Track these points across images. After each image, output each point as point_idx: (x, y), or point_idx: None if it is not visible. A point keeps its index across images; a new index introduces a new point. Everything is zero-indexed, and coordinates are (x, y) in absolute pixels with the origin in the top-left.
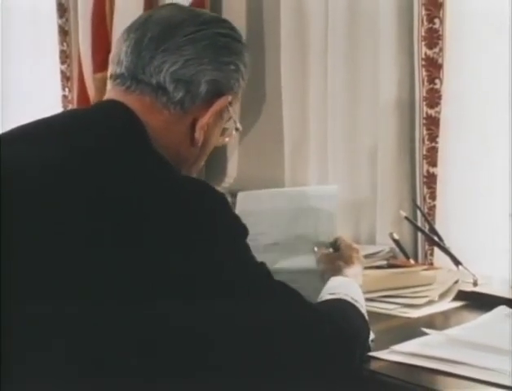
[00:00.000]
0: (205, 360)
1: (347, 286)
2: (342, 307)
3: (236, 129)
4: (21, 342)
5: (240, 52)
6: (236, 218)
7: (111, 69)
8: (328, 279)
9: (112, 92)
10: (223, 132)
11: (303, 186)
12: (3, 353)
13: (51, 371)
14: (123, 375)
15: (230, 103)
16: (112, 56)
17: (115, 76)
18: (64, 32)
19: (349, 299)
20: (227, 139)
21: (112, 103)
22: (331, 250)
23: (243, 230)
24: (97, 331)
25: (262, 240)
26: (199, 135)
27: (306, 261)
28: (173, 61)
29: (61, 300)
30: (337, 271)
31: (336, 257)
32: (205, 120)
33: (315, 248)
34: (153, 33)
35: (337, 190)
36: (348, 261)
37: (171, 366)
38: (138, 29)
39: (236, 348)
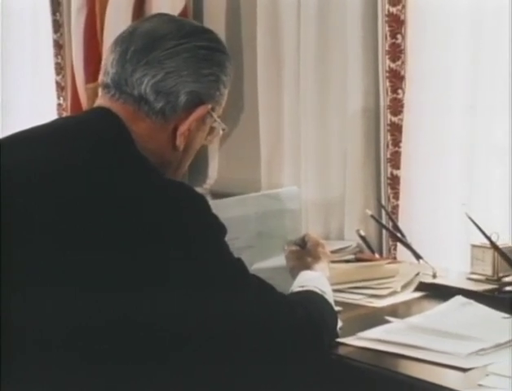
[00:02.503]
0: (187, 349)
1: (316, 279)
2: (312, 297)
3: (223, 130)
4: (21, 337)
5: (220, 63)
6: (215, 218)
7: (100, 78)
8: (297, 274)
9: (101, 99)
10: (211, 131)
11: (278, 186)
12: (3, 348)
13: (50, 363)
14: (119, 363)
15: (212, 109)
16: (102, 66)
17: (103, 85)
18: (58, 46)
19: (317, 290)
20: (213, 139)
21: (101, 110)
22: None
23: (221, 229)
24: (92, 322)
25: (236, 244)
26: (180, 141)
27: (278, 259)
28: (153, 74)
29: (56, 295)
30: (305, 266)
31: (304, 253)
32: (184, 127)
33: (285, 247)
34: (136, 47)
35: (298, 191)
36: (315, 257)
37: (159, 353)
38: (124, 42)
39: (217, 336)
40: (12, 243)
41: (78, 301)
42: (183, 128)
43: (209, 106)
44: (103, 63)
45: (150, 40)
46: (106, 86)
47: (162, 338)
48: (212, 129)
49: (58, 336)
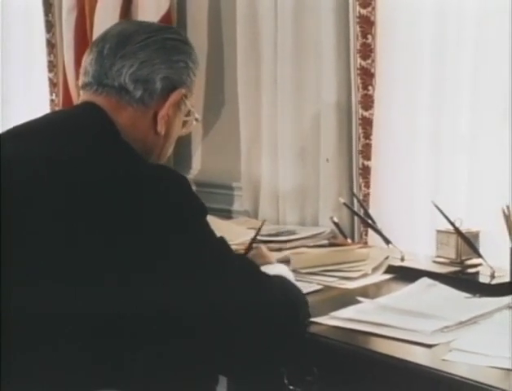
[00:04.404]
0: (172, 330)
1: (279, 269)
2: (283, 279)
3: (196, 120)
4: (21, 335)
5: (187, 51)
6: (197, 198)
7: (80, 80)
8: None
9: (84, 96)
10: (184, 124)
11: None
12: (3, 346)
13: (51, 360)
14: (119, 358)
15: (185, 96)
16: (81, 69)
17: (83, 85)
18: (51, 45)
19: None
20: (189, 129)
21: (87, 105)
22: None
23: (203, 208)
24: (93, 317)
25: None
26: (161, 125)
27: None
28: (130, 65)
29: (55, 292)
30: (269, 262)
31: (265, 250)
32: (163, 111)
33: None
34: (111, 44)
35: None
36: (271, 255)
37: (157, 342)
38: (99, 42)
39: (207, 317)
40: (11, 242)
41: (78, 298)
42: (162, 112)
43: (183, 91)
44: (82, 65)
45: (122, 37)
46: (87, 84)
47: (160, 326)
48: (185, 122)
49: (58, 334)
